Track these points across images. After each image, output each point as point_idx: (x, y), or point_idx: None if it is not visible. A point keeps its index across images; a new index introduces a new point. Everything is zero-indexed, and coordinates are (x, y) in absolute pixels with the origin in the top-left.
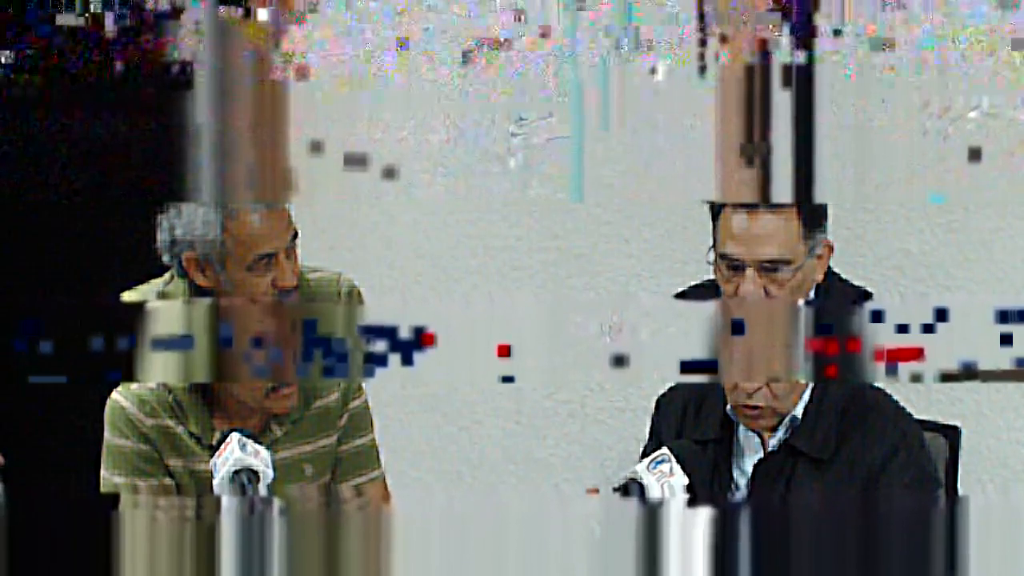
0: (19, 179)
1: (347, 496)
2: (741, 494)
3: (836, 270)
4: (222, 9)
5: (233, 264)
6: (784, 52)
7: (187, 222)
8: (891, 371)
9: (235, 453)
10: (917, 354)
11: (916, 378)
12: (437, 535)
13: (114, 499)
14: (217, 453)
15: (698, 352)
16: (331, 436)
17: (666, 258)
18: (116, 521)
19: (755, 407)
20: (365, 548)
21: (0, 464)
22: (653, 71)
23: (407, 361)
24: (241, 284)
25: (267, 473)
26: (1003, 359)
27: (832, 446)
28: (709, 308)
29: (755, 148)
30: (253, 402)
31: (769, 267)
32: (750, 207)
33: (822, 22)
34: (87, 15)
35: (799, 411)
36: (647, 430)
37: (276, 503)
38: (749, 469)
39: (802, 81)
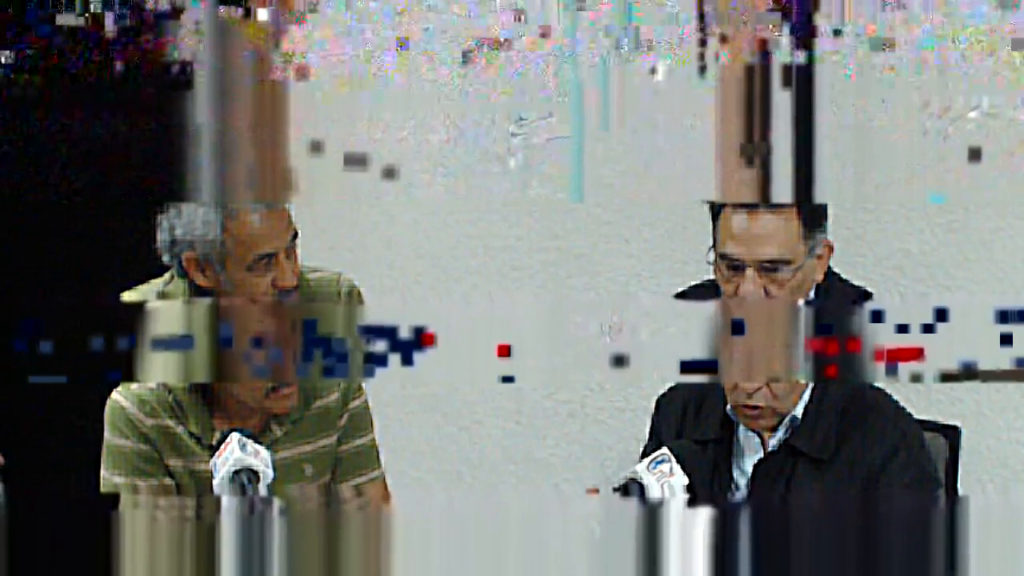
0: (19, 179)
1: (347, 496)
2: (741, 494)
3: (836, 270)
4: (222, 9)
5: (233, 264)
6: (784, 52)
7: (187, 222)
8: (891, 371)
9: (235, 453)
10: (917, 354)
11: (916, 378)
12: (437, 535)
13: (114, 499)
14: (217, 453)
15: (698, 352)
16: (331, 436)
17: (666, 258)
18: (116, 521)
19: (755, 407)
20: (365, 548)
21: (0, 464)
22: (653, 71)
23: (407, 361)
24: (241, 284)
25: (267, 473)
26: (1003, 359)
27: (832, 446)
28: (709, 308)
29: (755, 148)
30: (253, 402)
31: (769, 267)
32: (750, 207)
33: (822, 22)
34: (87, 15)
35: (799, 411)
36: (647, 430)
37: (276, 503)
38: (749, 469)
39: (802, 81)
